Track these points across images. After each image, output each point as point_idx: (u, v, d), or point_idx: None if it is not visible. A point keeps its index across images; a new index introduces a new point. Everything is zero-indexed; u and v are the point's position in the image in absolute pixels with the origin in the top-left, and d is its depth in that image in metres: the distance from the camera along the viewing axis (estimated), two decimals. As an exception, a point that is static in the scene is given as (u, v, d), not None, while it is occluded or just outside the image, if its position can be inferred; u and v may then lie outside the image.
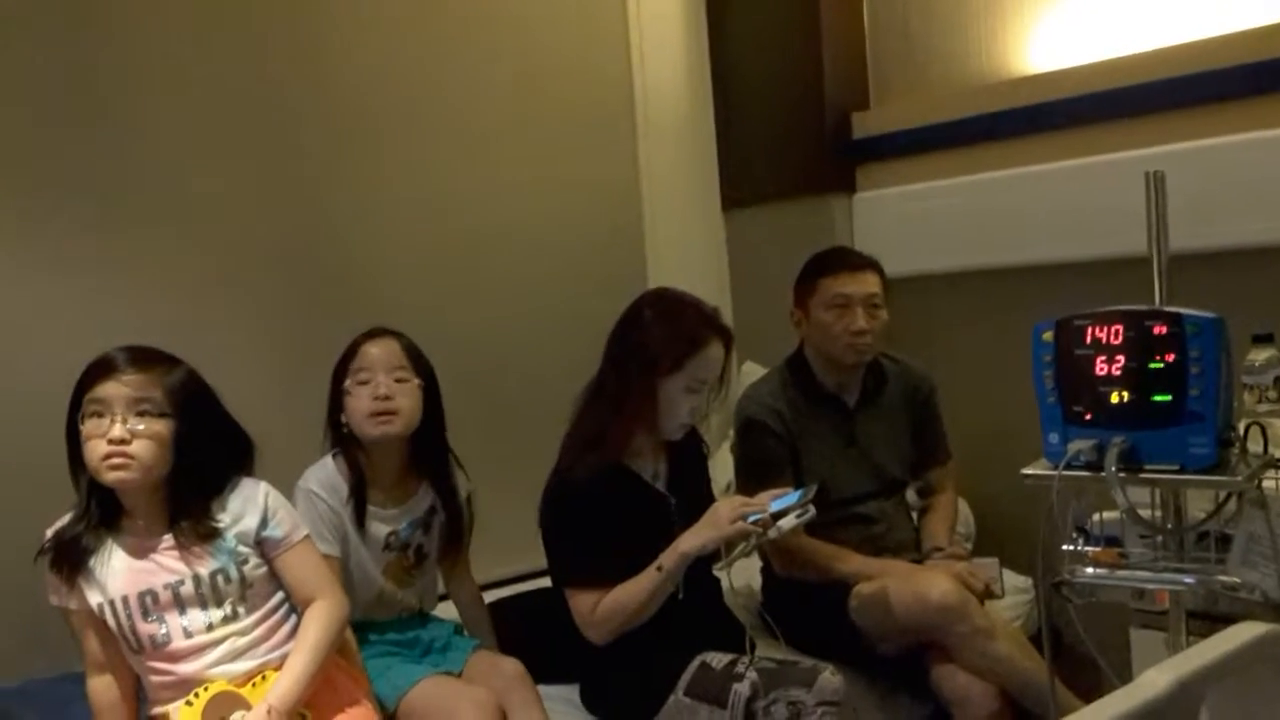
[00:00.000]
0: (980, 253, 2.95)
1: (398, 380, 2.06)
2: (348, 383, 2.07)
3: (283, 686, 1.74)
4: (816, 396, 2.50)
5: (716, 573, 2.35)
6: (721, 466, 2.87)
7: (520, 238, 3.09)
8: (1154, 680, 1.06)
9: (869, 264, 2.47)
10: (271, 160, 2.69)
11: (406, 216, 2.90)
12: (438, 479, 2.19)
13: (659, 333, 2.13)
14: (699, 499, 2.26)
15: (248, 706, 1.72)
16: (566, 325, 2.86)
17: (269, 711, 1.69)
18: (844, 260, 2.47)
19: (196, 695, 1.72)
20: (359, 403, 2.05)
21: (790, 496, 2.03)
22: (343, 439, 2.11)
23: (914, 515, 2.67)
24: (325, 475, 2.08)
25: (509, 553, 2.60)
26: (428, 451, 2.17)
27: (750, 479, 2.39)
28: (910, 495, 2.69)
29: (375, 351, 2.07)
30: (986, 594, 2.27)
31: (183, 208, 2.54)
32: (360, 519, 2.08)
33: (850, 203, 3.27)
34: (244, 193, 2.64)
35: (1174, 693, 1.05)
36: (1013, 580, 2.65)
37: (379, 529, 2.11)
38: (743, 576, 2.71)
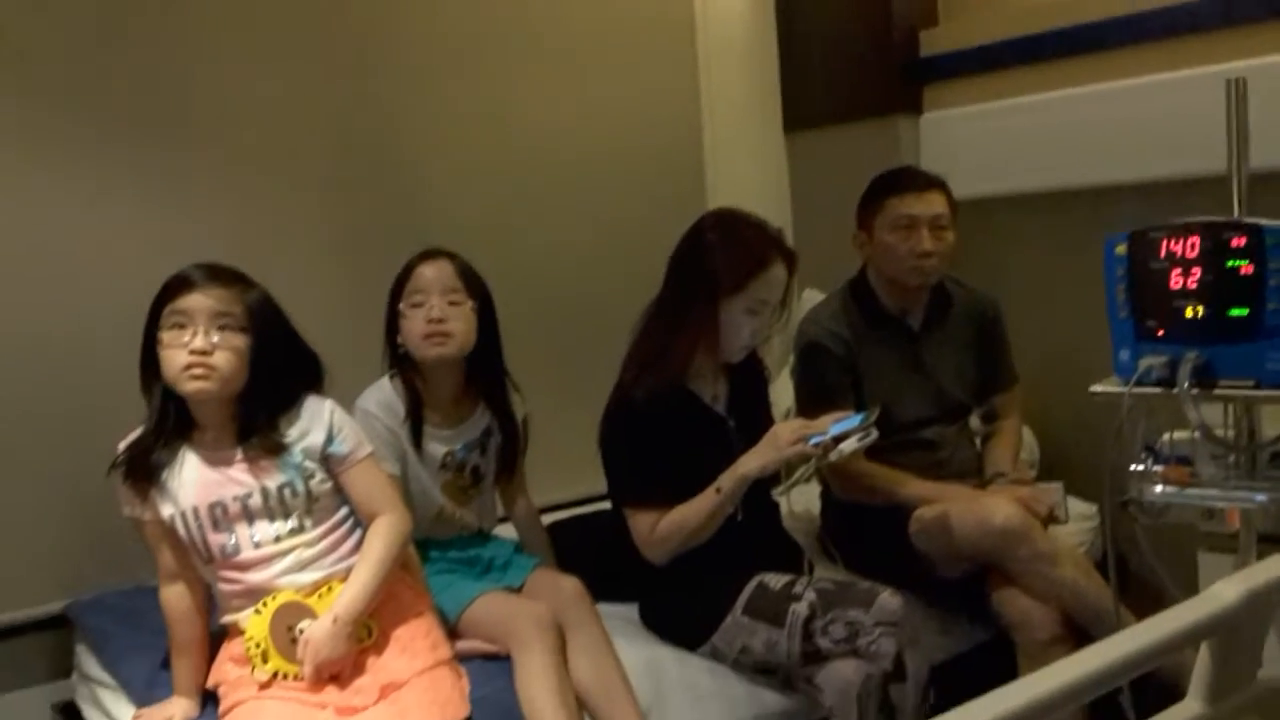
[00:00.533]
0: (1051, 174, 2.87)
1: (451, 303, 2.07)
2: (402, 304, 2.08)
3: (348, 597, 1.78)
4: (879, 320, 2.46)
5: (776, 497, 2.35)
6: (782, 391, 2.85)
7: (580, 158, 3.07)
8: (1223, 592, 1.04)
9: (936, 184, 2.41)
10: (333, 79, 2.69)
11: (467, 135, 2.89)
12: (494, 401, 2.20)
13: (721, 253, 2.11)
14: (758, 422, 2.25)
15: (314, 616, 1.77)
16: (626, 247, 2.85)
17: (335, 620, 1.73)
18: (910, 180, 2.42)
19: (264, 604, 1.77)
20: (413, 325, 2.06)
21: (851, 420, 2.01)
22: (399, 360, 2.13)
23: (977, 441, 2.63)
24: (382, 396, 2.10)
25: (569, 476, 2.62)
26: (483, 373, 2.18)
27: (810, 403, 2.37)
28: (974, 421, 2.66)
29: (429, 273, 2.08)
30: (1050, 519, 2.24)
31: (240, 126, 2.55)
32: (417, 439, 2.10)
33: (917, 124, 3.19)
34: (303, 112, 2.64)
35: (1243, 605, 1.03)
36: (1077, 507, 2.62)
37: (435, 449, 2.13)
38: (802, 501, 2.71)
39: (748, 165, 3.34)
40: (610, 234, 3.05)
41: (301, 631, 1.74)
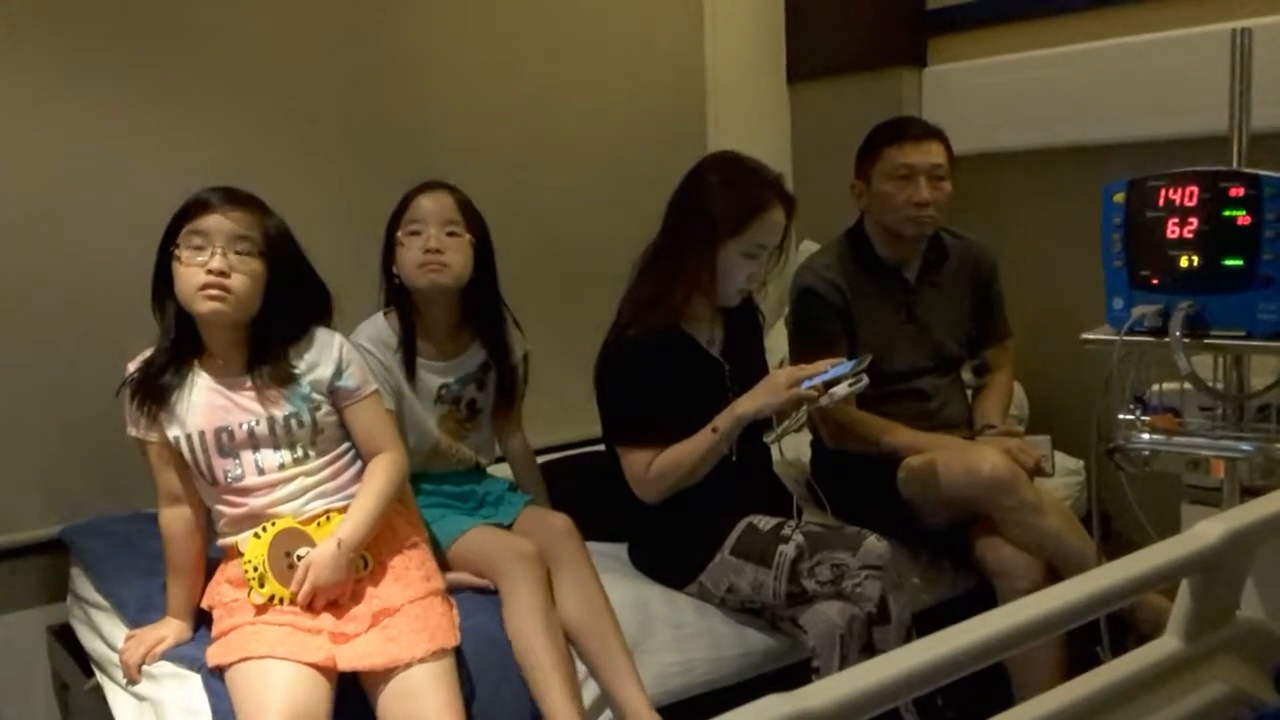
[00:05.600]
0: (1054, 130, 2.86)
1: (449, 234, 2.07)
2: (399, 233, 2.08)
3: (350, 525, 1.80)
4: (875, 270, 2.47)
5: (767, 443, 2.37)
6: (776, 341, 2.87)
7: (583, 99, 3.06)
8: (1205, 531, 1.06)
9: (934, 134, 2.41)
10: (342, 11, 2.68)
11: (469, 73, 2.88)
12: (489, 336, 2.21)
13: (720, 196, 2.11)
14: (753, 367, 2.27)
15: (312, 544, 1.79)
16: (627, 191, 2.84)
17: (338, 545, 1.75)
18: (909, 129, 2.42)
19: (264, 529, 1.79)
20: (409, 253, 2.06)
21: (844, 366, 2.03)
22: (394, 292, 2.13)
23: (968, 394, 2.65)
24: (375, 330, 2.11)
25: (566, 418, 2.63)
26: (479, 308, 2.18)
27: (804, 349, 2.39)
28: (966, 374, 2.67)
29: (428, 204, 2.08)
30: (1037, 471, 2.27)
31: (248, 59, 2.54)
32: (410, 370, 2.11)
33: (920, 76, 3.18)
34: (311, 46, 2.64)
35: (1225, 545, 1.05)
36: (1064, 463, 2.64)
37: (430, 381, 2.14)
38: (792, 449, 2.73)
39: (749, 114, 3.33)
40: (611, 178, 3.04)
41: (299, 558, 1.76)
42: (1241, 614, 1.14)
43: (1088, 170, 2.81)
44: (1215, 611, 1.09)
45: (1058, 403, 2.82)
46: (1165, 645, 1.08)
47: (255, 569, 1.75)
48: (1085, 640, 1.79)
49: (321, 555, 1.74)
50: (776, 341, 2.87)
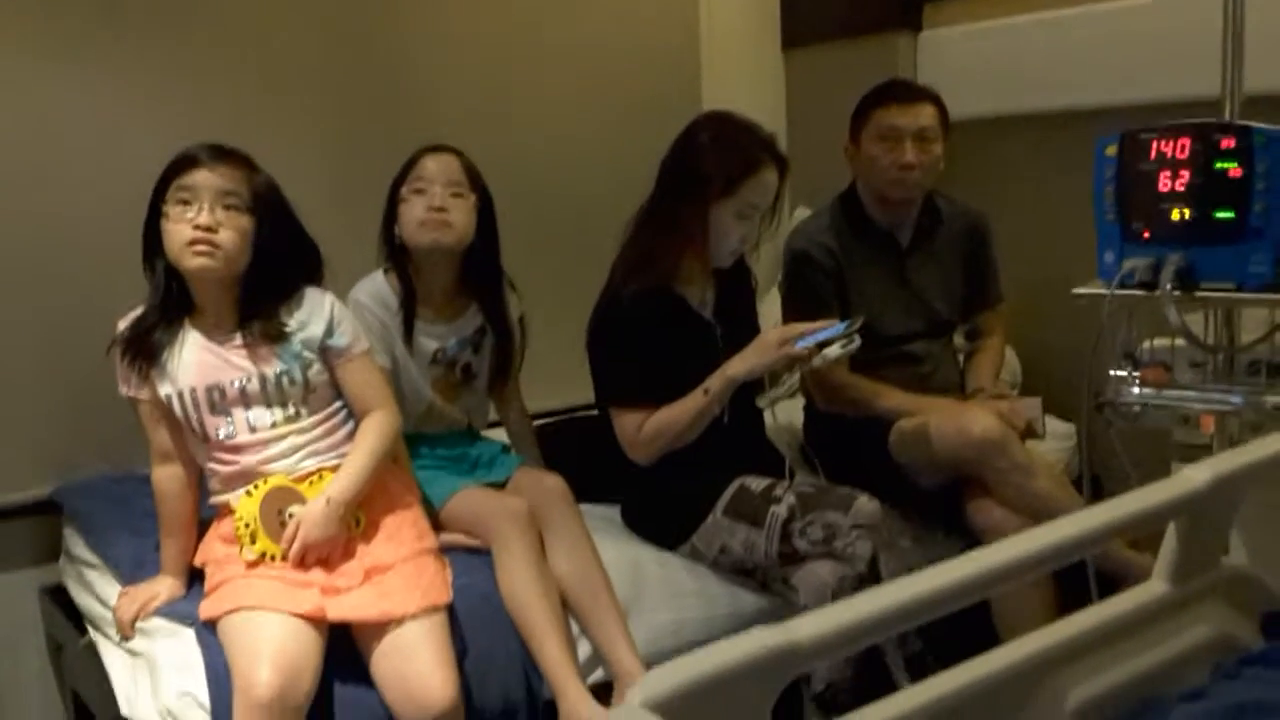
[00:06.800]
0: (1049, 95, 2.85)
1: (454, 194, 2.07)
2: (404, 191, 2.08)
3: (341, 482, 1.80)
4: (868, 234, 2.47)
5: (759, 405, 2.37)
6: (771, 308, 2.86)
7: (577, 63, 3.04)
8: (1192, 476, 1.06)
9: (924, 95, 2.40)
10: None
11: (461, 35, 2.86)
12: (488, 300, 2.21)
13: (713, 155, 2.10)
14: (745, 329, 2.27)
15: (304, 502, 1.79)
16: (621, 154, 2.82)
17: (328, 502, 1.76)
18: (895, 91, 2.41)
19: (256, 486, 1.79)
20: (413, 210, 2.06)
21: (836, 327, 2.04)
22: (394, 252, 2.13)
23: (960, 359, 2.66)
24: (374, 288, 2.11)
25: (560, 384, 2.63)
26: (479, 271, 2.18)
27: (796, 313, 2.38)
28: (958, 339, 2.68)
29: (433, 165, 2.08)
30: (1028, 432, 2.27)
31: (239, 16, 2.53)
32: (408, 332, 2.11)
33: (916, 41, 3.16)
34: (294, 4, 2.61)
35: (1212, 489, 1.05)
36: (1056, 426, 2.65)
37: (426, 344, 2.14)
38: (785, 414, 2.73)
39: (744, 80, 3.31)
40: (605, 143, 3.03)
41: (291, 516, 1.76)
42: (1228, 560, 1.15)
43: (1083, 135, 2.79)
44: (1201, 556, 1.10)
45: (1050, 368, 2.83)
46: (1151, 589, 1.09)
47: (247, 525, 1.75)
48: (1075, 600, 1.80)
49: (311, 512, 1.75)
50: (770, 309, 2.86)
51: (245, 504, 1.77)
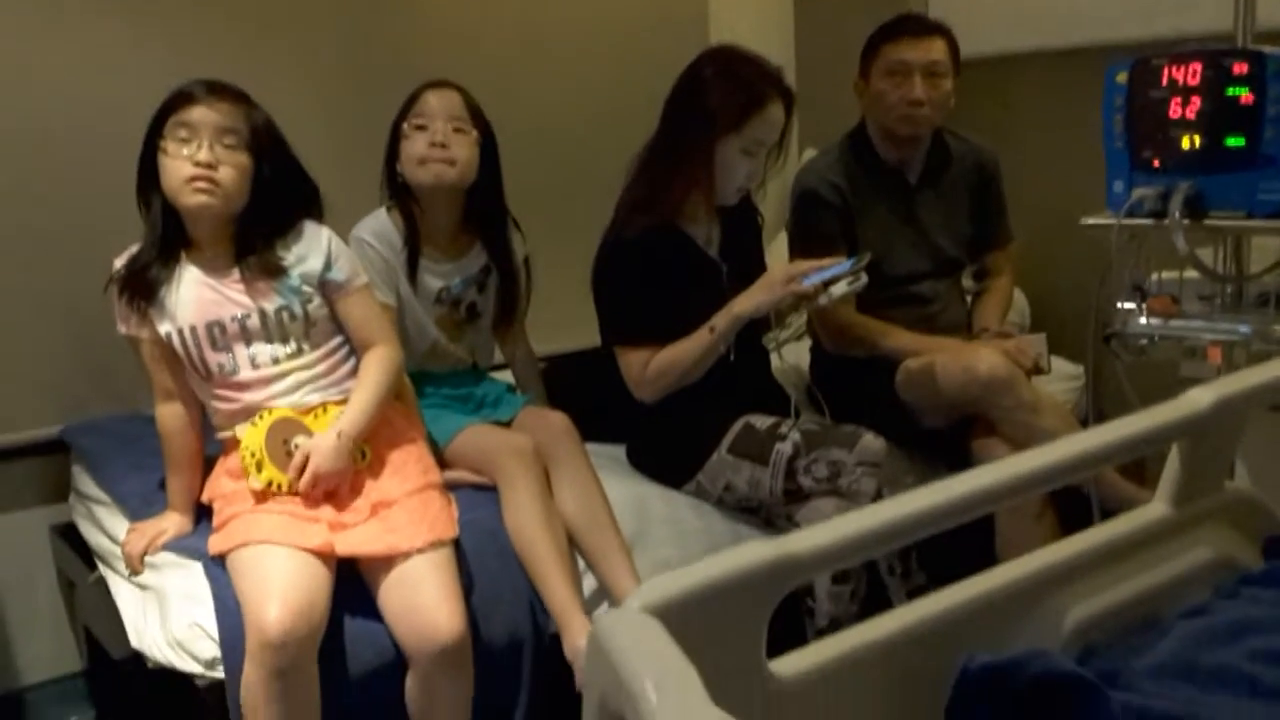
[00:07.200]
0: (1061, 31, 2.80)
1: (456, 130, 2.05)
2: (405, 126, 2.06)
3: (350, 417, 1.80)
4: (877, 171, 2.44)
5: (766, 344, 2.37)
6: (779, 251, 2.84)
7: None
8: (1197, 398, 1.06)
9: (935, 30, 2.36)
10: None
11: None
12: (491, 239, 2.19)
13: (719, 90, 2.08)
14: (751, 267, 2.25)
15: (309, 433, 1.79)
16: (627, 92, 2.78)
17: (339, 435, 1.76)
18: (906, 25, 2.36)
19: (260, 417, 1.79)
20: (414, 146, 2.04)
21: (842, 265, 2.02)
22: (397, 190, 2.11)
23: (968, 300, 2.64)
24: (378, 225, 2.10)
25: (564, 325, 2.62)
26: (483, 210, 2.17)
27: (803, 251, 2.36)
28: (966, 280, 2.66)
29: (435, 100, 2.06)
30: (1035, 370, 2.26)
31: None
32: (412, 271, 2.10)
33: (927, -21, 3.11)
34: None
35: (1215, 410, 1.05)
36: (1062, 367, 2.64)
37: (431, 282, 2.13)
38: (792, 355, 2.73)
39: (753, 19, 3.27)
40: (611, 80, 2.99)
41: (297, 446, 1.77)
42: (1231, 484, 1.15)
43: (1094, 72, 2.76)
44: (1204, 478, 1.10)
45: (1059, 308, 2.81)
46: (1153, 511, 1.09)
47: (253, 454, 1.75)
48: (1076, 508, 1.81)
49: (322, 445, 1.75)
50: (778, 251, 2.85)
51: (251, 434, 1.77)
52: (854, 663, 0.87)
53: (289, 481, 1.74)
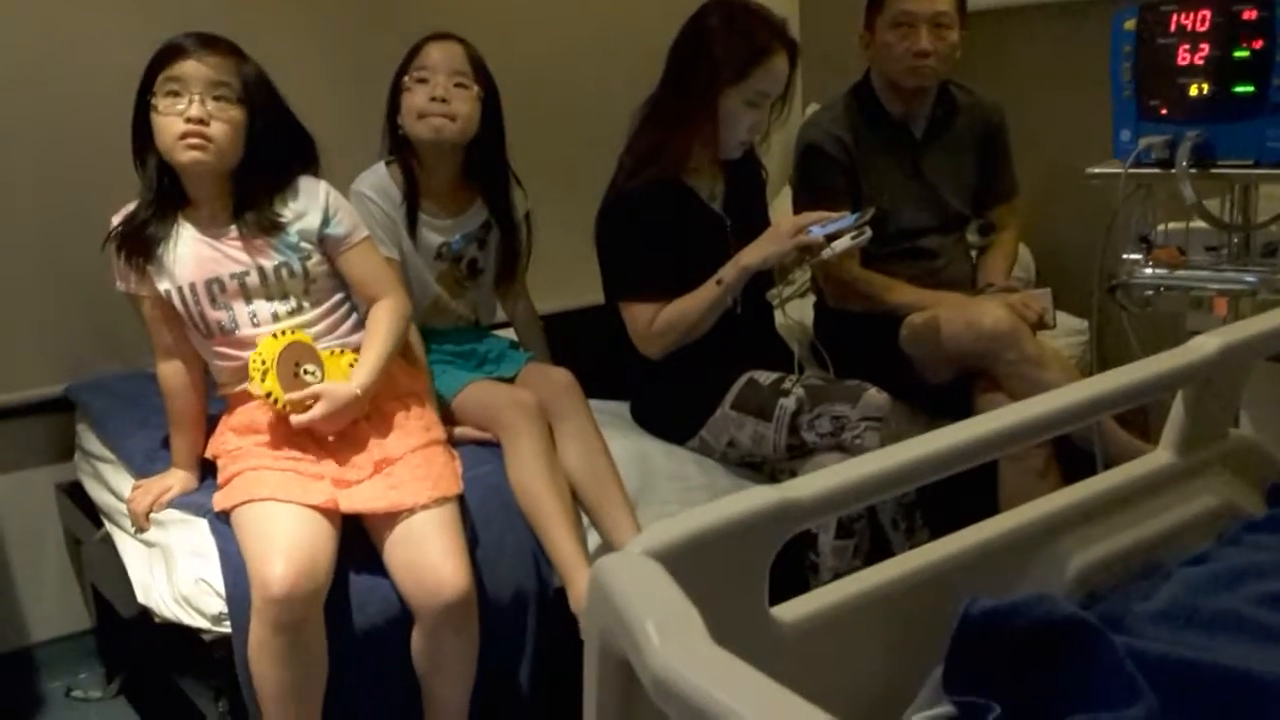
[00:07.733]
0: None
1: (457, 85, 2.03)
2: (406, 80, 2.04)
3: (365, 372, 1.79)
4: (882, 125, 2.42)
5: (769, 300, 2.36)
6: (783, 206, 2.83)
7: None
8: (1202, 344, 1.05)
9: None
10: None
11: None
12: (492, 195, 2.18)
13: (722, 41, 2.06)
14: (755, 222, 2.24)
15: (321, 364, 1.79)
16: (630, 47, 2.76)
17: (361, 389, 1.76)
18: None
19: (284, 333, 1.78)
20: (415, 100, 2.02)
21: (847, 219, 2.01)
22: (398, 144, 2.09)
23: (973, 254, 2.62)
24: (377, 180, 2.08)
25: (568, 284, 2.62)
26: (484, 166, 2.15)
27: (808, 205, 2.34)
28: (971, 235, 2.64)
29: (437, 53, 2.03)
30: (1039, 324, 2.25)
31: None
32: (412, 226, 2.09)
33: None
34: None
35: (1220, 357, 1.04)
36: (1067, 322, 2.63)
37: (431, 238, 2.12)
38: (796, 312, 2.72)
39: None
40: (611, 31, 2.96)
41: (306, 372, 1.76)
42: (1236, 431, 1.14)
43: (1100, 22, 2.72)
44: (1208, 426, 1.09)
45: (1065, 263, 2.79)
46: (1158, 458, 1.09)
47: (263, 362, 1.73)
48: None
49: (339, 393, 1.74)
50: (782, 206, 2.83)
51: (268, 344, 1.75)
52: (855, 609, 0.87)
53: (286, 402, 1.72)
